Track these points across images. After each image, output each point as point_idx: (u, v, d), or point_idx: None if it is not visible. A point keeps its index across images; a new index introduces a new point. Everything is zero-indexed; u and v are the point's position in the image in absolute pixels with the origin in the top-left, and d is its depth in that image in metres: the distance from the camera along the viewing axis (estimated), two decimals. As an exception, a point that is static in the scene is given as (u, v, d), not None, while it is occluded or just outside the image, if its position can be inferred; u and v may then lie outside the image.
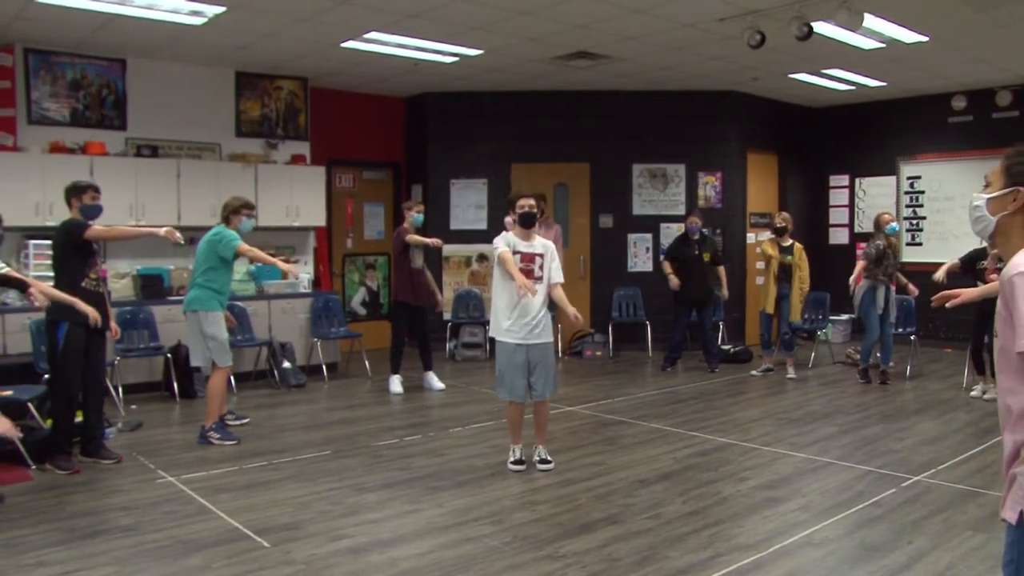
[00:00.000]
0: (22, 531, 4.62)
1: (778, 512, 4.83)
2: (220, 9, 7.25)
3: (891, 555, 4.14)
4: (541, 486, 5.40)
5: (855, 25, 7.23)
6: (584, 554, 4.19)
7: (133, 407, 7.82)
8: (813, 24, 7.23)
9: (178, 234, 6.08)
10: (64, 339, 5.79)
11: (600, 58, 9.18)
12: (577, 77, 10.13)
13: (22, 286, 5.31)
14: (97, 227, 5.84)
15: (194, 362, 6.82)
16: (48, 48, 8.48)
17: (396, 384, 8.57)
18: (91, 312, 5.50)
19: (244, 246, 6.59)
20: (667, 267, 9.84)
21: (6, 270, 5.54)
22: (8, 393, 5.88)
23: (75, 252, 5.83)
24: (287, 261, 9.76)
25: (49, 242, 6.35)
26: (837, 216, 12.63)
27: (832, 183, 12.68)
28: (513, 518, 4.78)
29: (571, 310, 5.62)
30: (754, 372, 9.54)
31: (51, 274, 6.12)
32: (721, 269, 10.00)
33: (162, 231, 6.00)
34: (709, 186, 11.37)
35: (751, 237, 11.71)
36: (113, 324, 6.25)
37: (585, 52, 8.92)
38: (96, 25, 7.70)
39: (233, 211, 6.73)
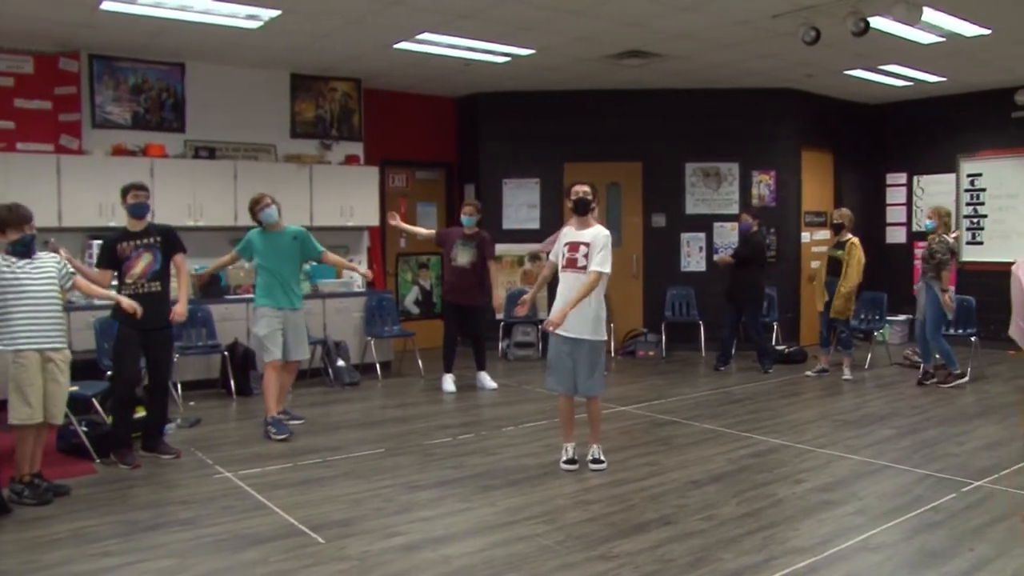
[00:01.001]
0: (88, 522, 4.75)
1: (834, 515, 4.76)
2: (275, 13, 7.37)
3: (952, 562, 4.05)
4: (594, 486, 5.39)
5: (914, 19, 7.10)
6: (637, 554, 4.18)
7: (191, 404, 7.98)
8: (870, 19, 7.12)
9: (137, 307, 5.77)
10: (117, 336, 5.98)
11: (652, 56, 9.14)
12: (629, 76, 10.09)
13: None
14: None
15: (304, 355, 7.20)
16: (111, 54, 8.69)
17: (449, 383, 8.62)
18: (125, 302, 5.62)
19: (328, 254, 7.25)
20: (725, 258, 9.81)
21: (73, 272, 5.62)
22: (74, 388, 6.02)
23: (107, 264, 6.08)
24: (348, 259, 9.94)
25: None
26: (895, 215, 12.41)
27: (889, 181, 12.46)
28: (565, 517, 4.78)
29: (554, 314, 5.53)
30: (808, 373, 9.41)
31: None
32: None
33: (125, 303, 5.73)
34: (763, 184, 11.25)
35: (806, 236, 11.56)
36: (177, 307, 6.23)
37: (637, 51, 8.89)
38: (156, 31, 7.88)
39: (254, 205, 6.94)
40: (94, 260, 8.02)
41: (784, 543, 4.31)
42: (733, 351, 9.98)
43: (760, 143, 11.23)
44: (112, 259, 6.03)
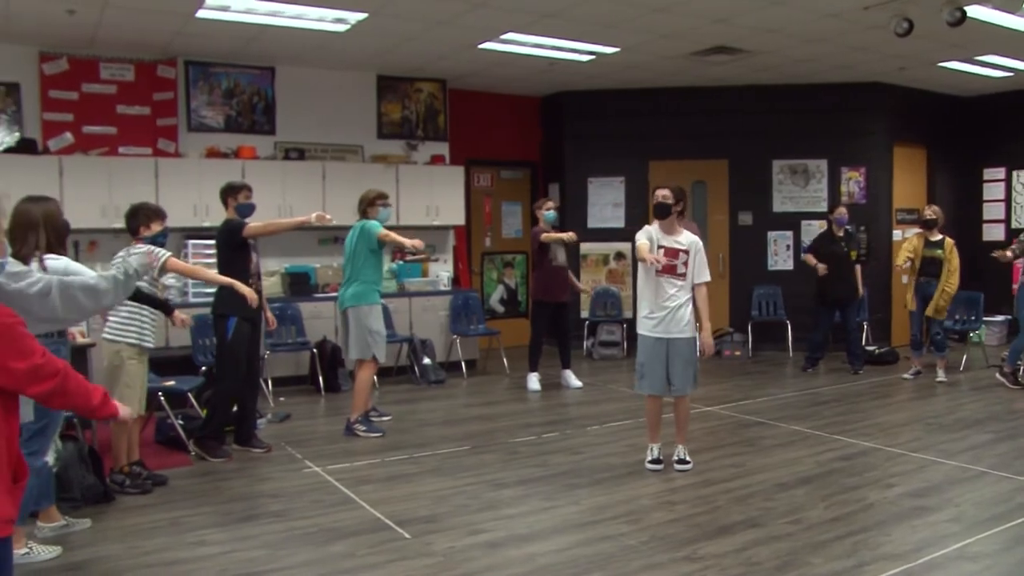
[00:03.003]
0: (184, 512, 4.92)
1: (928, 522, 4.62)
2: (362, 16, 7.50)
3: (1055, 573, 3.90)
4: (679, 486, 5.34)
5: (1014, 7, 6.84)
6: (722, 557, 4.13)
7: (281, 399, 8.17)
8: (967, 8, 6.89)
9: (328, 215, 6.29)
10: (233, 332, 6.11)
11: (739, 52, 9.00)
12: (715, 72, 9.96)
13: (166, 309, 5.32)
14: (253, 224, 6.12)
15: (354, 355, 6.97)
16: (205, 60, 8.97)
17: (534, 381, 8.64)
18: (249, 292, 5.67)
19: (383, 231, 6.73)
20: (811, 259, 9.53)
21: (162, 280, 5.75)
22: (171, 383, 6.25)
23: (237, 250, 6.15)
24: (428, 259, 10.07)
25: (207, 241, 6.70)
26: (992, 211, 11.95)
27: (986, 176, 12.00)
28: (650, 518, 4.75)
29: (705, 335, 5.64)
30: (905, 375, 9.09)
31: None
32: (858, 268, 9.61)
33: (312, 216, 6.22)
34: (853, 181, 10.98)
35: (897, 234, 11.23)
36: (269, 315, 6.58)
37: (723, 47, 8.77)
38: (249, 36, 8.09)
39: (369, 203, 6.92)
40: (189, 259, 8.33)
41: (875, 549, 4.20)
42: (823, 354, 9.75)
43: (850, 139, 10.95)
44: (244, 249, 6.20)
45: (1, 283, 2.62)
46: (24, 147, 8.01)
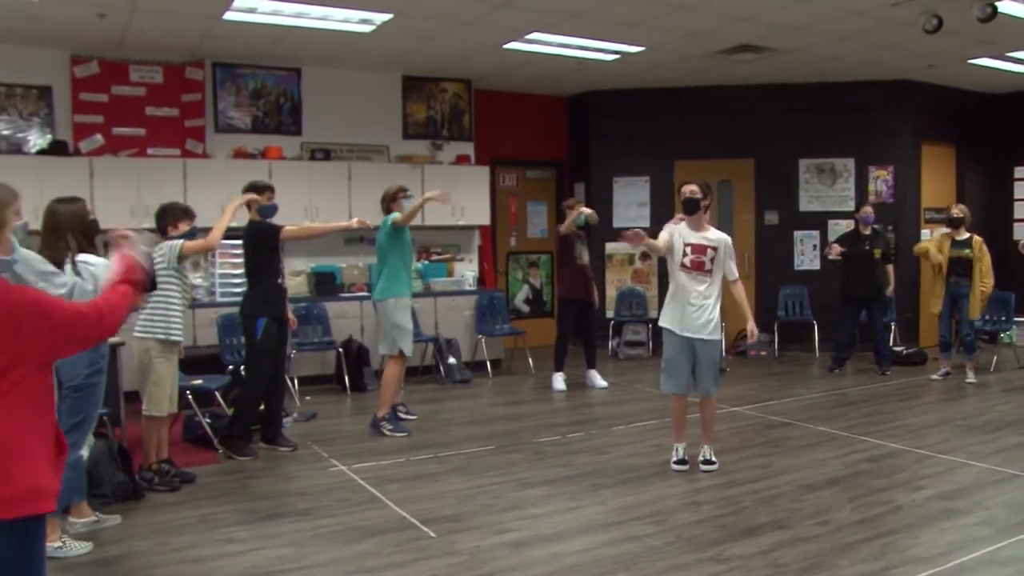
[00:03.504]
0: (212, 509, 4.97)
1: (957, 525, 4.56)
2: (387, 16, 7.53)
3: (1089, 578, 3.84)
4: (704, 487, 5.32)
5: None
6: (748, 558, 4.11)
7: (307, 398, 8.21)
8: (997, 3, 6.80)
9: (368, 220, 6.35)
10: (263, 332, 6.16)
11: (764, 51, 8.95)
12: (740, 71, 9.91)
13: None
14: (290, 227, 6.16)
15: (382, 351, 7.02)
16: (233, 61, 9.04)
17: (559, 381, 8.64)
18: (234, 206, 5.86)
19: (396, 215, 6.76)
20: (834, 248, 9.42)
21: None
22: (198, 382, 6.30)
23: (269, 252, 6.20)
24: (452, 259, 10.10)
25: (235, 242, 6.74)
26: (1022, 210, 11.81)
27: (1018, 175, 11.84)
28: (676, 518, 4.74)
29: (750, 325, 5.65)
30: (934, 376, 8.99)
31: (238, 271, 6.55)
32: (890, 267, 9.53)
33: (354, 222, 6.29)
34: (880, 180, 10.88)
35: (926, 233, 11.11)
36: (290, 315, 6.63)
37: (748, 45, 8.72)
38: (275, 38, 8.15)
39: (391, 199, 6.93)
40: (216, 259, 8.40)
41: (903, 552, 4.16)
42: (850, 354, 9.67)
43: (877, 137, 10.85)
44: (275, 250, 6.25)
45: (30, 280, 2.67)
46: (56, 149, 8.12)
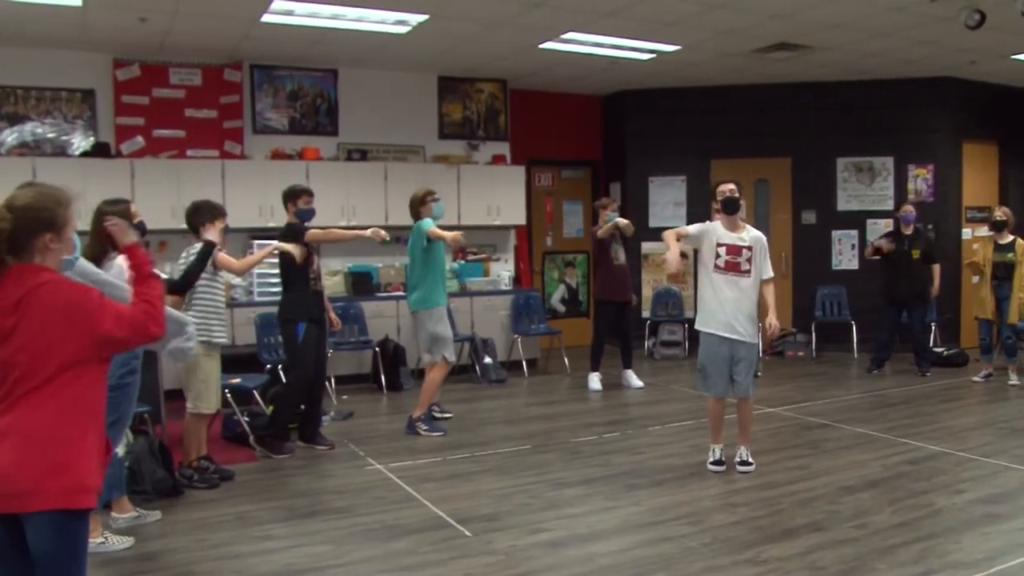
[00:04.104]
0: (250, 506, 5.03)
1: (1000, 530, 4.48)
2: (423, 17, 7.56)
3: None
4: (741, 488, 5.29)
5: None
6: (786, 560, 4.07)
7: (344, 397, 8.27)
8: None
9: (383, 232, 6.37)
10: (303, 336, 6.21)
11: (801, 49, 8.86)
12: (777, 69, 9.82)
13: None
14: (314, 230, 6.20)
15: (425, 360, 7.02)
16: (270, 63, 9.13)
17: (595, 381, 8.62)
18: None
19: (433, 229, 6.68)
20: (883, 245, 9.29)
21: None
22: (236, 381, 6.37)
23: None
24: (488, 259, 10.12)
25: (272, 242, 6.79)
26: (1068, 209, 11.59)
27: (1063, 173, 11.65)
28: (712, 519, 4.71)
29: (770, 318, 5.53)
30: (975, 378, 8.82)
31: (275, 272, 6.61)
32: (935, 267, 9.36)
33: (368, 232, 6.31)
34: (920, 179, 10.73)
35: (967, 232, 10.94)
36: (333, 316, 6.69)
37: (785, 43, 8.65)
38: (312, 40, 8.21)
39: (420, 203, 6.87)
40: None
41: (944, 556, 4.10)
42: (889, 355, 9.55)
43: (917, 136, 10.70)
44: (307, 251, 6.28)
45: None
46: (98, 151, 8.27)
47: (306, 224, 6.29)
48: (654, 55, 9.08)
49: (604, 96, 11.68)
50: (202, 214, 5.50)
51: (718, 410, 5.70)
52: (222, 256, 5.44)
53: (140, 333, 2.66)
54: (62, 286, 2.58)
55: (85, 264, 3.63)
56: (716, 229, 5.59)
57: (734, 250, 5.50)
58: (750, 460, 5.65)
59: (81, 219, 4.52)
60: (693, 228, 5.67)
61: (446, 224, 8.39)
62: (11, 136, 8.17)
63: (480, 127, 10.38)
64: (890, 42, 8.65)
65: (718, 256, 5.52)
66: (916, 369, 9.29)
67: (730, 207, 5.57)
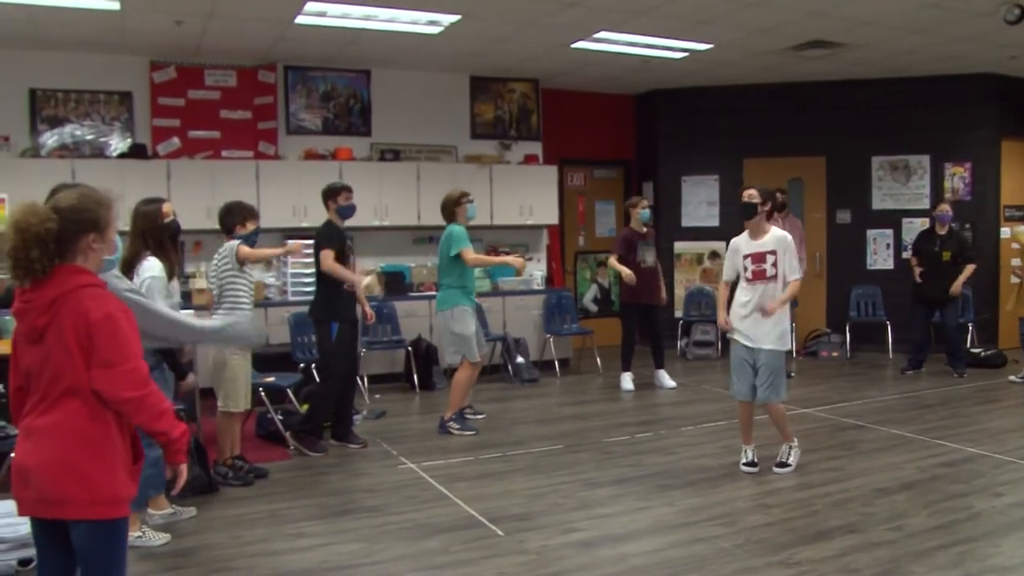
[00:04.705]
0: (284, 504, 5.07)
1: (1041, 533, 4.42)
2: (455, 18, 7.58)
3: None
4: (775, 489, 5.25)
5: None
6: (820, 563, 4.03)
7: (377, 396, 8.31)
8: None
9: (300, 243, 6.38)
10: (337, 336, 6.26)
11: (836, 46, 8.78)
12: (811, 67, 9.73)
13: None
14: (244, 248, 5.60)
15: (447, 359, 7.07)
16: (304, 64, 9.19)
17: (627, 381, 8.59)
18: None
19: (471, 255, 6.68)
20: (912, 261, 9.23)
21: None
22: (271, 379, 6.42)
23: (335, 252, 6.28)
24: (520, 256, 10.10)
25: (306, 242, 6.86)
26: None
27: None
28: (745, 520, 4.68)
29: (771, 306, 5.38)
30: (1013, 378, 8.68)
31: (309, 271, 6.66)
32: (969, 267, 9.09)
33: (281, 251, 6.23)
34: (957, 177, 10.58)
35: (1005, 231, 10.76)
36: (368, 309, 6.71)
37: (820, 41, 8.56)
38: (345, 41, 8.26)
39: (455, 204, 6.83)
40: (287, 259, 8.52)
41: (983, 560, 4.03)
42: (926, 356, 9.39)
43: (954, 133, 10.54)
44: (342, 251, 6.33)
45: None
46: (136, 152, 8.37)
47: (346, 219, 6.38)
48: (687, 54, 9.04)
49: (636, 95, 11.64)
50: (234, 215, 5.57)
51: (746, 413, 5.66)
52: (243, 248, 5.45)
53: (122, 401, 2.58)
54: (97, 298, 2.60)
55: (116, 281, 3.66)
56: (739, 244, 5.58)
57: (758, 258, 5.46)
58: (787, 462, 5.59)
59: (120, 220, 4.62)
60: (725, 266, 5.69)
61: (478, 225, 8.45)
62: (52, 138, 8.30)
63: (512, 127, 10.39)
64: (927, 39, 8.54)
65: (746, 269, 5.50)
66: (951, 370, 9.15)
67: (746, 212, 5.51)
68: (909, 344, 9.45)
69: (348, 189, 6.43)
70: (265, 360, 7.20)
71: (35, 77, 8.25)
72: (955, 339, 9.22)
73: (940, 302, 9.04)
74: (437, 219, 7.21)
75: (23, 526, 3.81)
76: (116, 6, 6.91)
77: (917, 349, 9.29)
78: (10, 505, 4.02)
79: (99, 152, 8.42)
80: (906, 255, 9.37)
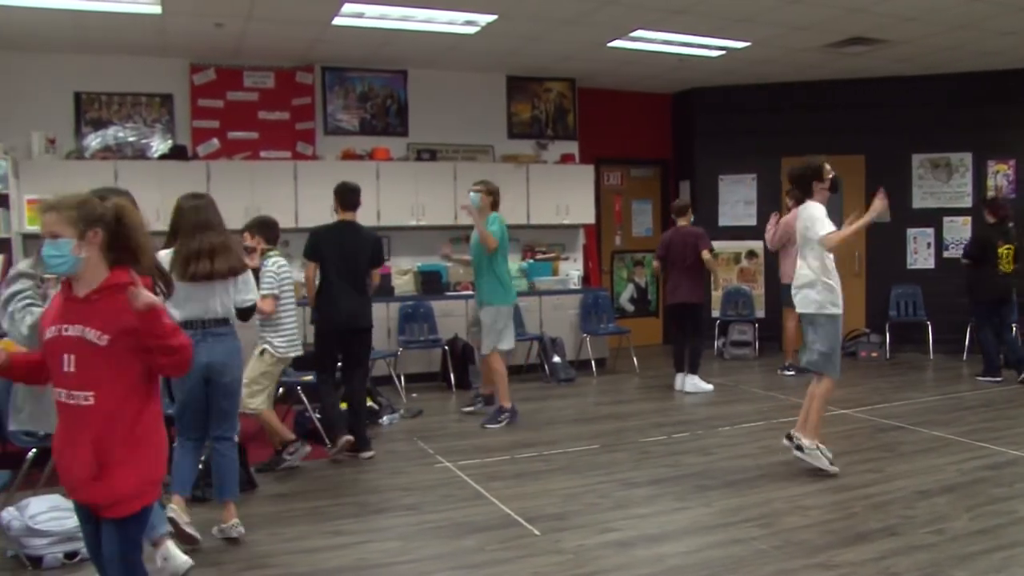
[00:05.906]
0: (322, 502, 5.12)
1: (1088, 538, 4.33)
2: (492, 18, 7.60)
3: None
4: (813, 491, 5.19)
5: None
6: (859, 565, 3.98)
7: (414, 395, 8.34)
8: None
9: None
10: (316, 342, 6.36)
11: (876, 43, 8.67)
12: (850, 64, 9.62)
13: None
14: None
15: (483, 350, 7.23)
16: (341, 65, 9.26)
17: (679, 381, 8.47)
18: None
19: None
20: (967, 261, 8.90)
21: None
22: (308, 378, 6.47)
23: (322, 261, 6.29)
24: (557, 258, 10.12)
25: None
26: None
27: None
28: (783, 522, 4.64)
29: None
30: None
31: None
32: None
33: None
34: (1000, 175, 10.40)
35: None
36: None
37: (860, 37, 8.46)
38: (382, 41, 8.31)
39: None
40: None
41: (1028, 564, 3.97)
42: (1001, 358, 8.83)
43: (997, 130, 10.37)
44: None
45: None
46: (176, 153, 8.48)
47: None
48: (724, 52, 8.98)
49: (673, 94, 11.59)
50: (277, 230, 5.89)
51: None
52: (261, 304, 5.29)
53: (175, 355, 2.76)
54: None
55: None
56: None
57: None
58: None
59: (159, 220, 4.69)
60: (827, 223, 6.02)
61: (515, 225, 8.48)
62: (95, 140, 8.44)
63: (548, 126, 10.39)
64: (970, 34, 8.41)
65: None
66: (1016, 374, 8.67)
67: (836, 187, 6.18)
68: (979, 349, 8.95)
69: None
70: (303, 359, 7.25)
71: (80, 81, 8.40)
72: (1015, 339, 8.87)
73: (1005, 300, 8.68)
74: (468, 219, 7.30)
75: (69, 520, 3.89)
76: (158, 10, 7.01)
77: (996, 352, 8.74)
78: (56, 499, 4.13)
79: (141, 153, 8.55)
80: (950, 254, 9.06)
